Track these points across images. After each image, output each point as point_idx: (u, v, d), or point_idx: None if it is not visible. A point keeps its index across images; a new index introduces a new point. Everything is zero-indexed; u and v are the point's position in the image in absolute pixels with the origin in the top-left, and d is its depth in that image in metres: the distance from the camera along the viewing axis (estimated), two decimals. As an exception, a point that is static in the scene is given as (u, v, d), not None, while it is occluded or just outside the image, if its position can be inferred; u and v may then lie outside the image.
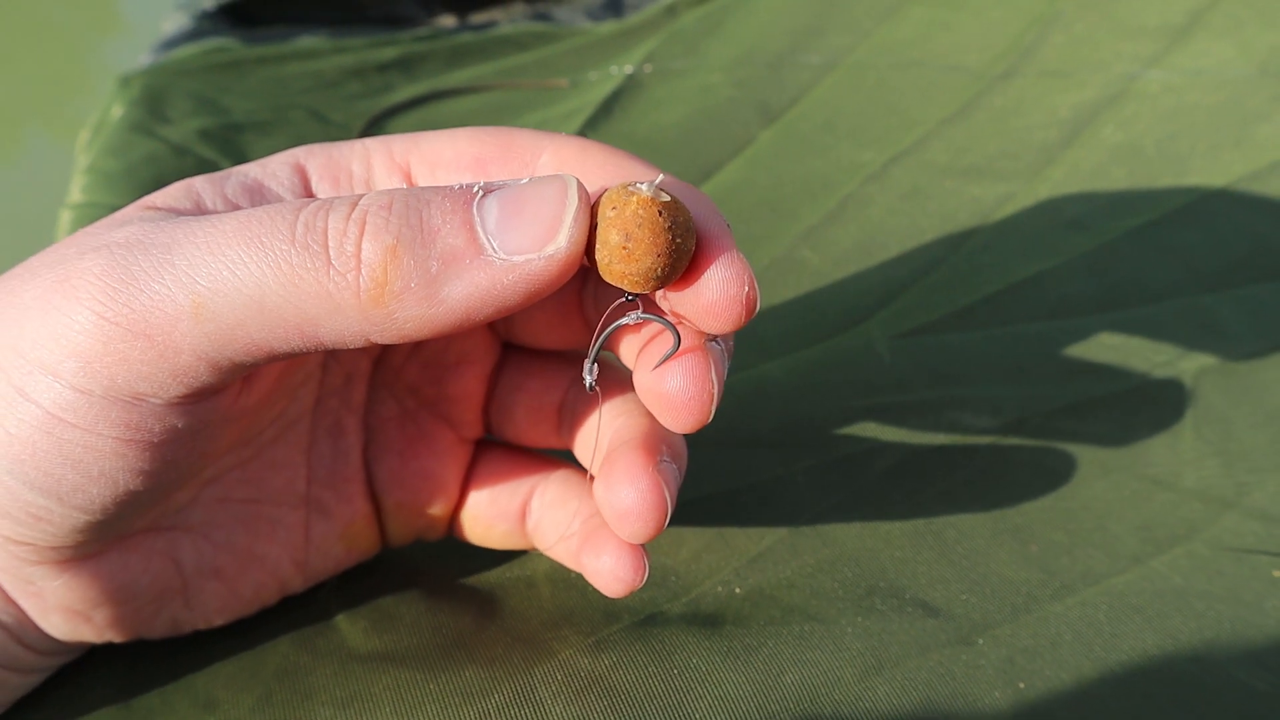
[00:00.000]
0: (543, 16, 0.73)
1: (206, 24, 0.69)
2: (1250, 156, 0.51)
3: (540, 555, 0.34)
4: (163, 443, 0.23)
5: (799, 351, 0.41)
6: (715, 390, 0.24)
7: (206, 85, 0.60)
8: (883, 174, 0.52)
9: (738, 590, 0.32)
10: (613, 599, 0.32)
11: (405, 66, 0.64)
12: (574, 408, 0.31)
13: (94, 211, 0.49)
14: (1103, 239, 0.47)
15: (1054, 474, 0.37)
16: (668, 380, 0.24)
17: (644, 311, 0.24)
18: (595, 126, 0.57)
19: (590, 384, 0.25)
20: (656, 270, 0.22)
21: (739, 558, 0.34)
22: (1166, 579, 0.33)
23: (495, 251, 0.21)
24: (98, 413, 0.22)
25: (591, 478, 0.28)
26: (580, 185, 0.22)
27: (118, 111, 0.57)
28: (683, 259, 0.22)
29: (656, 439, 0.27)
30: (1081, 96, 0.56)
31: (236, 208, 0.24)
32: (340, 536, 0.31)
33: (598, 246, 0.22)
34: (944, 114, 0.56)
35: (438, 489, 0.31)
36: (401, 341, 0.22)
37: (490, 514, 0.32)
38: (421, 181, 0.26)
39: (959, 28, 0.63)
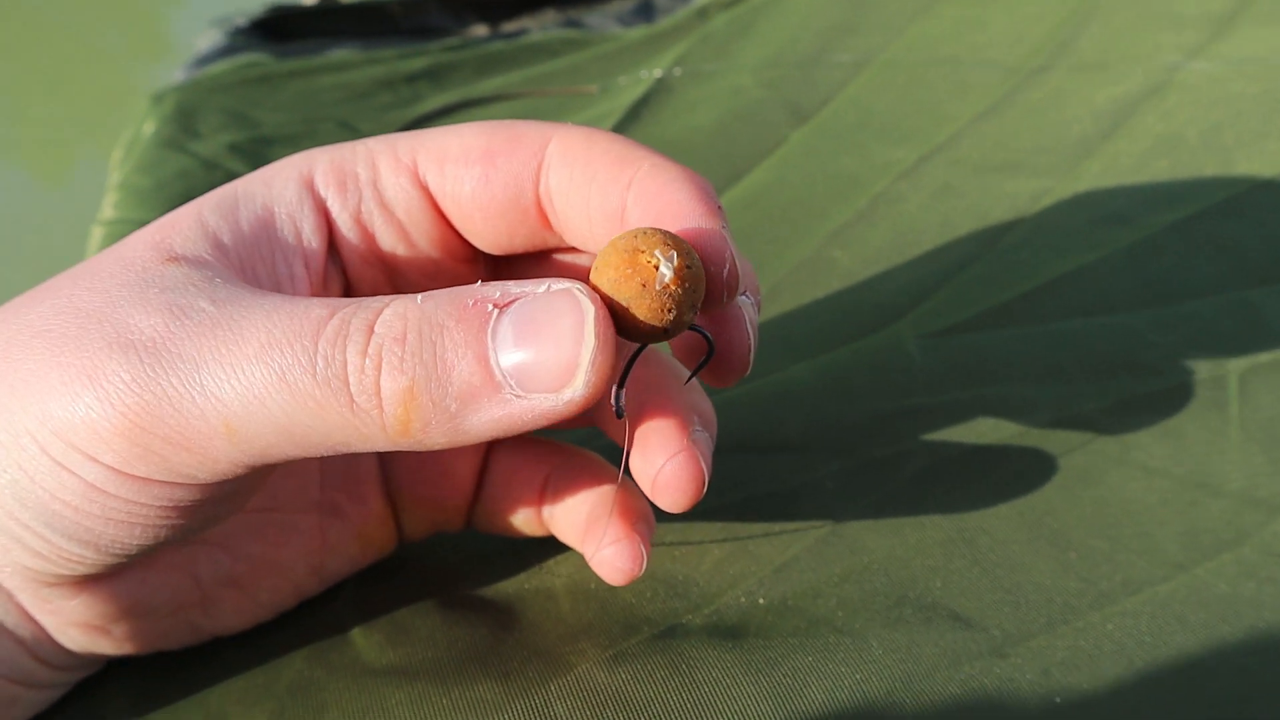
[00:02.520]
0: (573, 23, 0.73)
1: (240, 40, 0.69)
2: (1299, 146, 0.49)
3: (560, 566, 0.33)
4: (204, 506, 0.23)
5: (828, 353, 0.40)
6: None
7: (238, 100, 0.60)
8: (915, 171, 0.50)
9: (761, 601, 0.32)
10: (634, 610, 0.31)
11: (434, 76, 0.64)
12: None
13: (125, 228, 0.50)
14: (1144, 233, 0.45)
15: (1093, 477, 0.35)
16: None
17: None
18: (624, 131, 0.56)
19: (619, 409, 0.24)
20: (686, 321, 0.22)
21: (764, 567, 0.33)
22: (1212, 587, 0.32)
23: (513, 389, 0.21)
24: (138, 490, 0.22)
25: (626, 457, 0.28)
26: (599, 315, 0.21)
27: (150, 128, 0.57)
28: (699, 298, 0.22)
29: (689, 409, 0.27)
30: (1120, 89, 0.54)
31: (255, 249, 0.25)
32: (356, 537, 0.31)
33: (631, 332, 0.22)
34: (977, 110, 0.54)
35: (453, 483, 0.31)
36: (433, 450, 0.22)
37: (506, 503, 0.31)
38: (430, 177, 0.26)
39: (992, 24, 0.62)
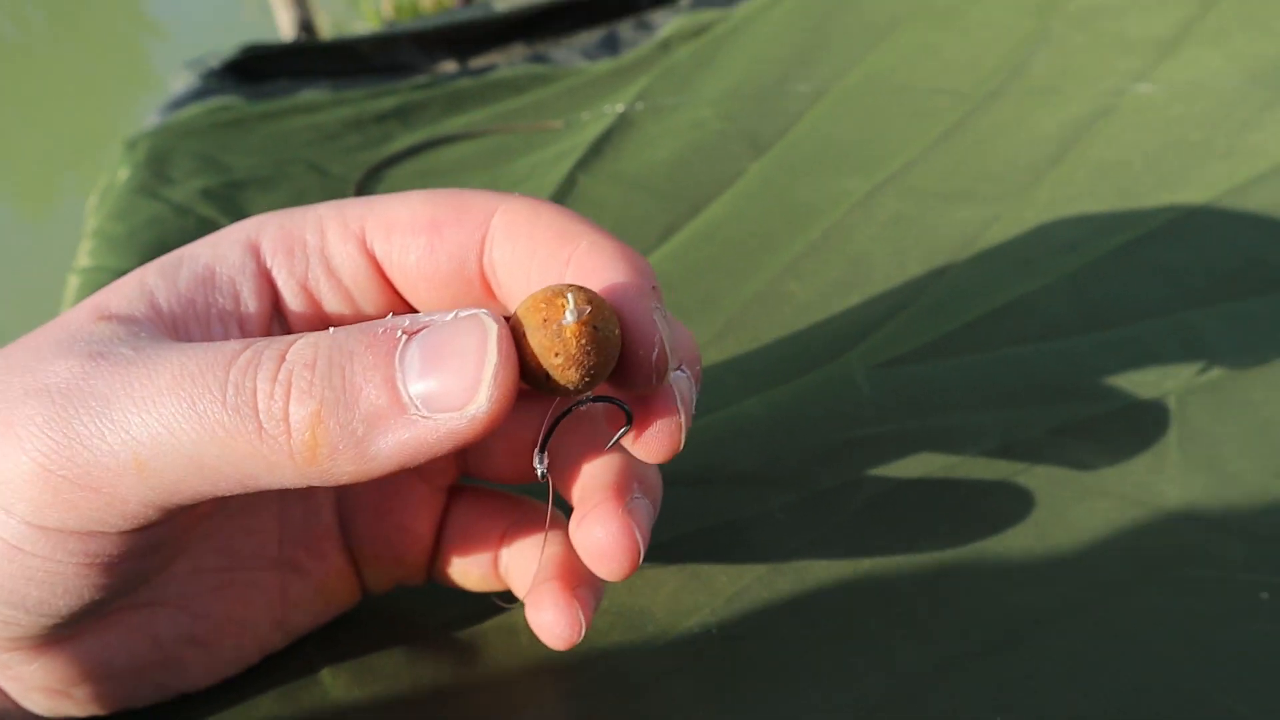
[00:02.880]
0: (540, 58, 0.74)
1: (213, 82, 0.71)
2: (1239, 168, 0.50)
3: (519, 603, 0.34)
4: (122, 561, 0.24)
5: (780, 386, 0.42)
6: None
7: (209, 144, 0.61)
8: (868, 202, 0.52)
9: (715, 631, 0.33)
10: (592, 643, 0.32)
11: (403, 115, 0.66)
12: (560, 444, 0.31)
13: (100, 276, 0.51)
14: (1088, 258, 0.46)
15: (1038, 501, 0.37)
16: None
17: (591, 397, 0.25)
18: (587, 166, 0.58)
19: (541, 472, 0.25)
20: (597, 372, 0.23)
21: (717, 597, 0.34)
22: (1154, 602, 0.33)
23: (418, 409, 0.21)
24: (55, 544, 0.23)
25: (550, 517, 0.29)
26: (501, 332, 0.22)
27: (123, 174, 0.58)
28: (614, 353, 0.23)
29: (628, 477, 0.28)
30: (1069, 113, 0.56)
31: (191, 304, 0.25)
32: (318, 592, 0.31)
33: (532, 377, 0.22)
34: (930, 138, 0.56)
35: (412, 540, 0.32)
36: (342, 484, 0.23)
37: (464, 559, 0.32)
38: (377, 246, 0.27)
39: (947, 50, 0.63)
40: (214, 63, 0.72)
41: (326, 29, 2.25)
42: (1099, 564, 0.34)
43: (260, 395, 0.21)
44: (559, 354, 0.22)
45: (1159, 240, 0.47)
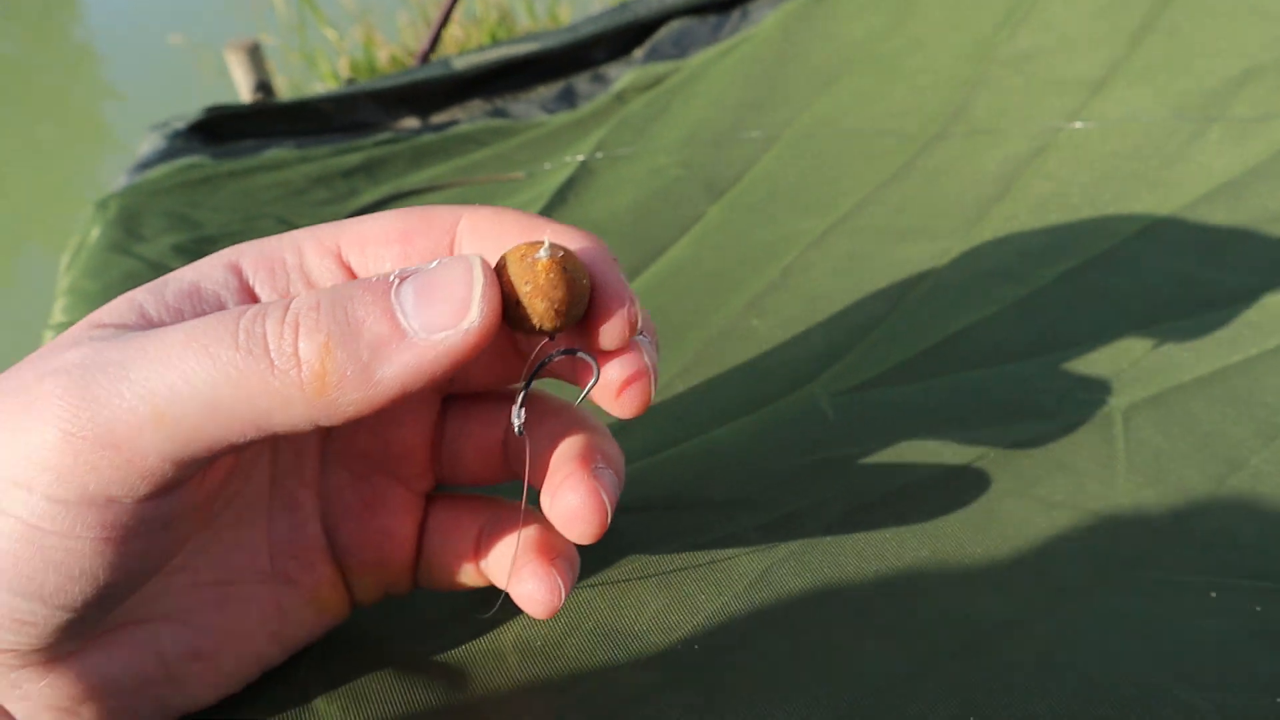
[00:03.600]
0: (500, 112, 0.77)
1: (180, 143, 0.72)
2: (1170, 197, 0.53)
3: (507, 629, 0.35)
4: (136, 537, 0.25)
5: (748, 415, 0.43)
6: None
7: (179, 202, 0.62)
8: (823, 240, 0.54)
9: (697, 648, 0.34)
10: (578, 664, 0.33)
11: (368, 170, 0.67)
12: (517, 438, 0.33)
13: (74, 331, 0.51)
14: (1033, 286, 0.49)
15: (997, 513, 0.38)
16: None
17: (564, 349, 0.28)
18: (551, 214, 0.59)
19: (518, 427, 0.28)
20: (562, 312, 0.25)
21: (698, 616, 0.35)
22: (1111, 604, 0.35)
23: (417, 332, 0.24)
24: (75, 518, 0.24)
25: (524, 506, 0.31)
26: (484, 261, 0.25)
27: (95, 233, 0.59)
28: (582, 298, 0.26)
29: (593, 451, 0.30)
30: (1008, 151, 0.59)
31: (179, 313, 0.26)
32: (310, 603, 0.32)
33: (507, 306, 0.25)
34: (880, 179, 0.58)
35: (395, 546, 0.33)
36: (346, 422, 0.24)
37: (446, 558, 0.33)
38: (352, 259, 0.29)
39: (892, 95, 0.66)
40: (179, 124, 0.73)
41: (284, 90, 2.27)
42: (1058, 570, 0.36)
43: (270, 336, 0.24)
44: (529, 283, 0.25)
45: (1098, 267, 0.50)
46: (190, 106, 0.76)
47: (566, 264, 0.25)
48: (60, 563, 0.24)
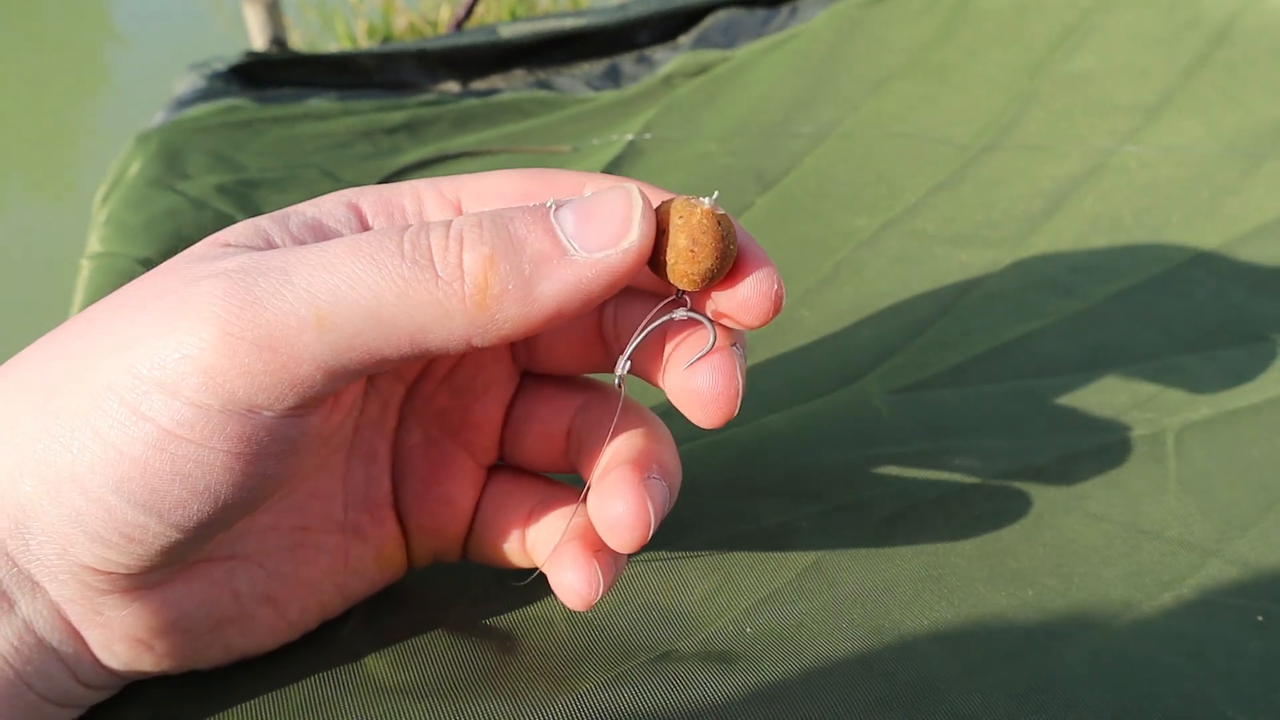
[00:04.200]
0: (543, 84, 0.76)
1: (219, 84, 0.71)
2: (1222, 228, 0.53)
3: (556, 599, 0.35)
4: (267, 455, 0.25)
5: (799, 405, 0.43)
6: (740, 386, 0.27)
7: (222, 142, 0.62)
8: (874, 240, 0.54)
9: (748, 630, 0.34)
10: (629, 637, 0.33)
11: (412, 130, 0.67)
12: (580, 433, 0.33)
13: (114, 261, 0.51)
14: (1086, 303, 0.49)
15: (1046, 522, 0.39)
16: (699, 378, 0.27)
17: (690, 310, 0.28)
18: (598, 189, 0.59)
19: (620, 378, 0.28)
20: (713, 271, 0.26)
21: (748, 598, 0.35)
22: (1156, 622, 0.35)
23: (578, 251, 0.24)
24: (214, 426, 0.23)
25: (584, 497, 0.30)
26: (641, 190, 0.25)
27: (135, 167, 0.58)
28: (729, 263, 0.26)
29: (648, 458, 0.30)
30: (1062, 169, 0.59)
31: (302, 242, 0.26)
32: (375, 557, 0.32)
33: (666, 249, 0.25)
34: (931, 183, 0.58)
35: (454, 513, 0.33)
36: (500, 342, 0.25)
37: (496, 536, 0.33)
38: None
39: (943, 102, 0.66)
40: (220, 65, 0.72)
41: (299, 47, 2.25)
42: (1105, 583, 0.36)
43: (435, 249, 0.24)
44: (685, 226, 0.25)
45: (1150, 289, 0.50)
46: (198, 57, 0.75)
47: (723, 222, 0.25)
48: (188, 475, 0.24)
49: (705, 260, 0.25)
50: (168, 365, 0.23)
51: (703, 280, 0.26)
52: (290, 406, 0.24)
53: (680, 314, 0.28)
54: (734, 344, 0.28)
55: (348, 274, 0.23)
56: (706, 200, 0.25)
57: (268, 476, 0.25)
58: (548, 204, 0.25)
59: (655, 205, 0.26)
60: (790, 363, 0.47)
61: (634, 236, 0.24)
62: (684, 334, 0.28)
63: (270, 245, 0.26)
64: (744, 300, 0.26)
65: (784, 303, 0.27)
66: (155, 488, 0.24)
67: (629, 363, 0.28)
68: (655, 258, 0.26)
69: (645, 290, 0.30)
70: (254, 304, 0.23)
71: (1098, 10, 0.70)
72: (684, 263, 0.25)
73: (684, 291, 0.27)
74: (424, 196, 0.28)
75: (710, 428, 0.28)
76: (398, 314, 0.23)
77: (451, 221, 0.24)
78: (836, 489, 0.39)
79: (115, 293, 0.25)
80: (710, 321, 0.27)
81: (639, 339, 0.28)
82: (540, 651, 0.33)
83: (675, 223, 0.25)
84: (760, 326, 0.27)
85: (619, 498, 0.28)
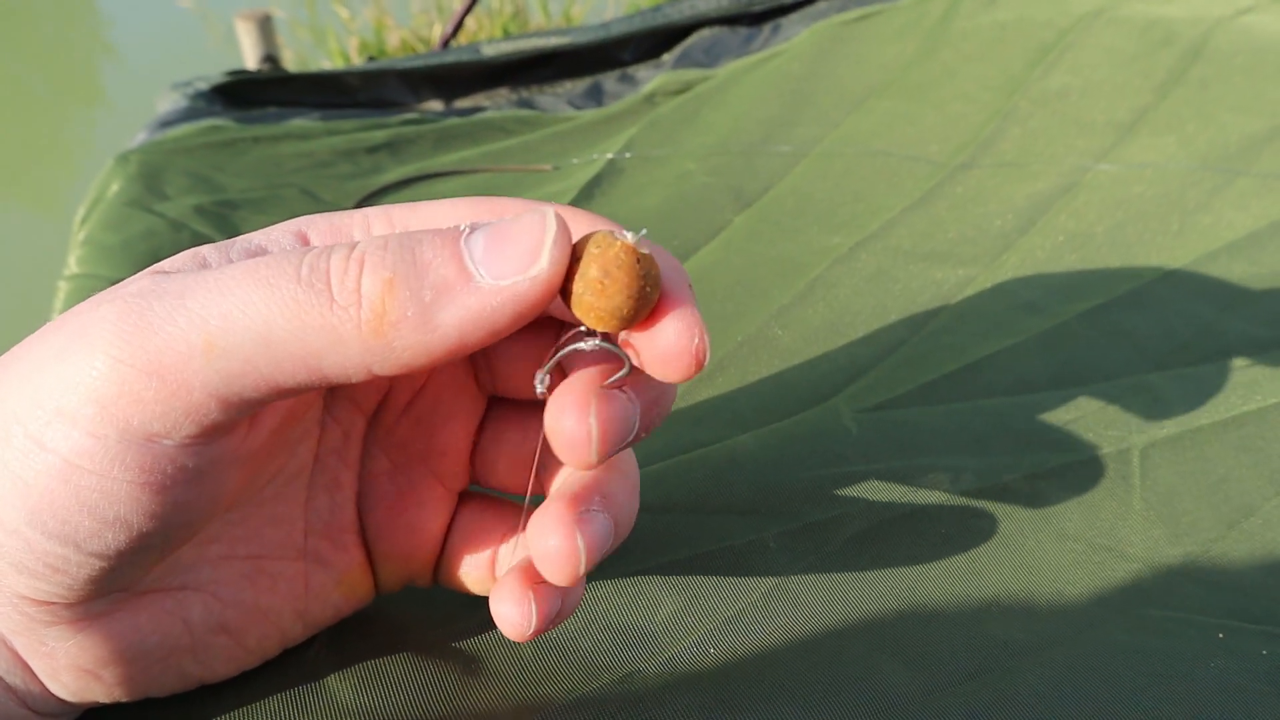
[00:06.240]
0: (526, 103, 0.77)
1: (201, 104, 0.72)
2: (1192, 245, 0.54)
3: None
4: (175, 484, 0.24)
5: (770, 424, 0.44)
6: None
7: (202, 163, 0.62)
8: (850, 257, 0.54)
9: (712, 650, 0.34)
10: (592, 658, 0.33)
11: (393, 149, 0.67)
12: (546, 457, 0.32)
13: (91, 283, 0.51)
14: (1056, 320, 0.49)
15: (1013, 541, 0.39)
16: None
17: (601, 341, 0.26)
18: (579, 207, 0.59)
19: (541, 391, 0.27)
20: (624, 310, 0.24)
21: (713, 619, 0.35)
22: (1119, 640, 0.35)
23: (483, 277, 0.23)
24: (114, 457, 0.23)
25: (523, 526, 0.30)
26: (559, 216, 0.24)
27: (114, 187, 0.59)
28: (646, 306, 0.24)
29: (590, 490, 0.28)
30: (1036, 187, 0.59)
31: None
32: (338, 584, 0.32)
33: (575, 279, 0.24)
34: (907, 201, 0.59)
35: (422, 539, 0.33)
36: (401, 372, 0.24)
37: (467, 562, 0.33)
38: None
39: (921, 120, 0.67)
40: (202, 85, 0.73)
41: (291, 65, 2.26)
42: (1071, 602, 0.37)
43: (334, 271, 0.23)
44: (600, 261, 0.23)
45: (1120, 306, 0.50)
46: (192, 73, 0.76)
47: (644, 261, 0.24)
48: (94, 506, 0.23)
49: (615, 296, 0.24)
50: (65, 394, 0.23)
51: (611, 318, 0.24)
52: (190, 435, 0.23)
53: (590, 344, 0.26)
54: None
55: (241, 298, 0.23)
56: (630, 235, 0.24)
57: (183, 505, 0.25)
58: (461, 226, 0.24)
59: (586, 234, 0.25)
60: (764, 382, 0.47)
61: (543, 264, 0.23)
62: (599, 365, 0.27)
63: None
64: (661, 351, 0.25)
65: (707, 357, 0.25)
66: (65, 519, 0.23)
67: (548, 377, 0.27)
68: (565, 287, 0.24)
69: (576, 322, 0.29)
70: (145, 329, 0.23)
71: (1075, 29, 0.70)
72: (591, 294, 0.24)
73: (591, 330, 0.25)
74: (374, 225, 0.28)
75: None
76: (288, 340, 0.23)
77: (357, 243, 0.24)
78: (804, 508, 0.40)
79: (44, 326, 0.25)
80: (622, 352, 0.26)
81: (553, 360, 0.27)
82: (503, 675, 0.33)
83: (591, 252, 0.24)
84: (680, 382, 0.25)
85: (551, 533, 0.27)
